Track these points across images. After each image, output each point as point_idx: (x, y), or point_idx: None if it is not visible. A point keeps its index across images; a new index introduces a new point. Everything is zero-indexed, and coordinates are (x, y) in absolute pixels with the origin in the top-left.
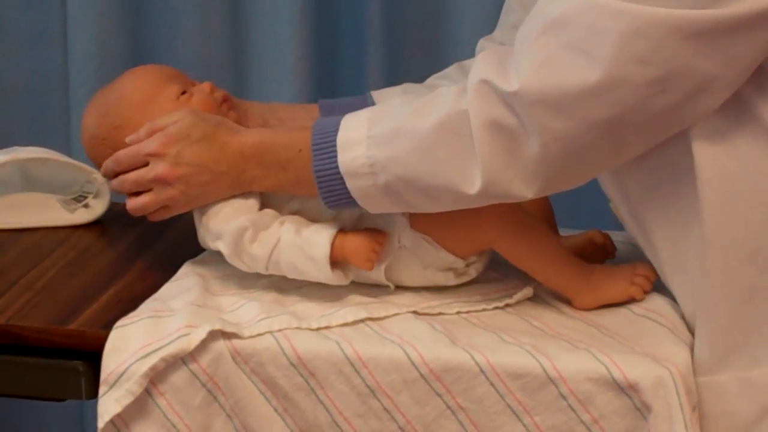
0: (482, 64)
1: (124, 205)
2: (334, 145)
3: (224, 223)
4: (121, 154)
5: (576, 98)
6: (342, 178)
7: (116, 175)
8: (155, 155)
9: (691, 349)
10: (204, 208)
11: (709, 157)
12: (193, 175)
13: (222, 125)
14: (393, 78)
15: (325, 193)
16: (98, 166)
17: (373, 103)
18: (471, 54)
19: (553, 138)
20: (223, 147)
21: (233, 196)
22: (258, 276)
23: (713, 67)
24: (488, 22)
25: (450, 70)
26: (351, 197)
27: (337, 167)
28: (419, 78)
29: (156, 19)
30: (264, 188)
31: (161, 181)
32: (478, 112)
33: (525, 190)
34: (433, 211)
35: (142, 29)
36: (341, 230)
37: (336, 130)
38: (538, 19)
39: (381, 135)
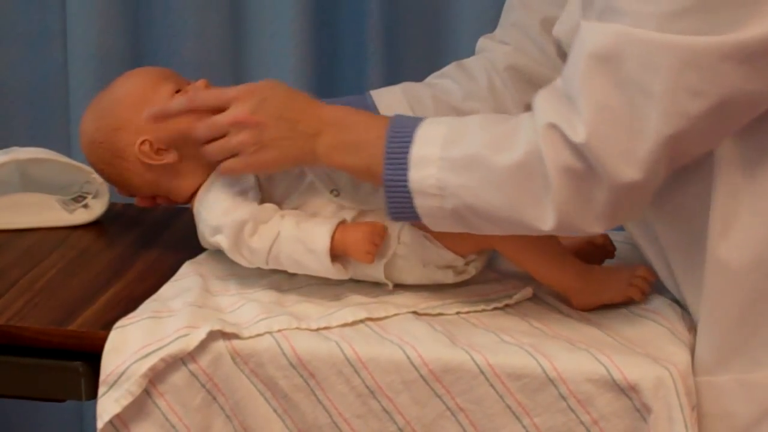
0: (546, 106)
1: (124, 205)
2: (407, 158)
3: (224, 216)
4: (205, 94)
5: (639, 142)
6: (410, 194)
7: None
8: (237, 99)
9: (692, 348)
10: (203, 201)
11: (726, 163)
12: (270, 126)
13: (308, 94)
14: (393, 78)
15: (392, 205)
16: (97, 171)
17: (372, 103)
18: (471, 53)
19: (619, 183)
20: (306, 108)
21: (233, 193)
22: (258, 276)
23: (763, 85)
24: (488, 21)
25: (449, 69)
26: (416, 213)
27: (406, 182)
28: (419, 77)
29: (156, 19)
30: (332, 163)
31: (237, 124)
32: (551, 157)
33: (596, 227)
34: (502, 234)
35: (142, 29)
36: (341, 223)
37: (411, 140)
38: (580, 55)
39: (455, 159)
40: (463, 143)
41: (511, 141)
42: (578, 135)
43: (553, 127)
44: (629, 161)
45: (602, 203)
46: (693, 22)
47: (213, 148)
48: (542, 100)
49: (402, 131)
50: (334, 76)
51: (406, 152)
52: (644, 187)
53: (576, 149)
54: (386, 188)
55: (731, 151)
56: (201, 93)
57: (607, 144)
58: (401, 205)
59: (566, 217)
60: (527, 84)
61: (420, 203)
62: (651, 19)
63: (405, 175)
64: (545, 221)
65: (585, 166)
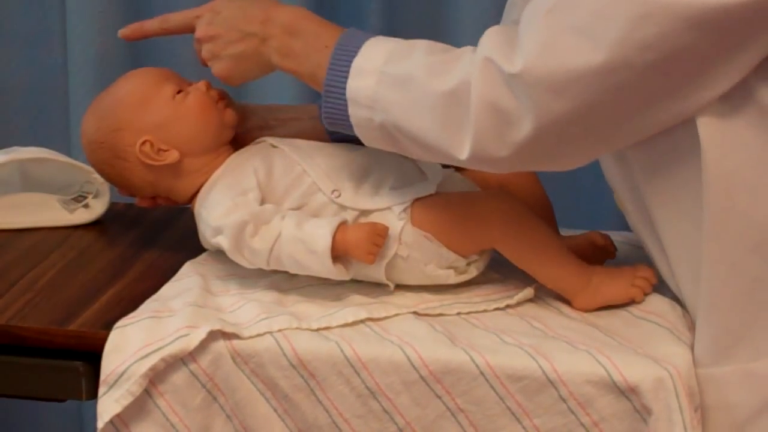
0: (489, 40)
1: (124, 205)
2: (349, 67)
3: (224, 217)
4: (174, 16)
5: (578, 80)
6: (346, 102)
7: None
8: (198, 17)
9: (692, 348)
10: (204, 202)
11: (715, 146)
12: (222, 35)
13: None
14: None
15: (327, 109)
16: (98, 171)
17: None
18: None
19: (549, 120)
20: (258, 13)
21: (234, 193)
22: (258, 276)
23: (717, 54)
24: (488, 21)
25: None
26: (349, 122)
27: (344, 90)
28: None
29: None
30: (283, 68)
31: (197, 42)
32: (479, 90)
33: (507, 163)
34: (424, 159)
35: None
36: (343, 224)
37: (356, 52)
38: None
39: (393, 75)
40: (405, 62)
41: (448, 69)
42: (514, 66)
43: (490, 60)
44: (559, 98)
45: (521, 140)
46: None
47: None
48: (487, 36)
49: (350, 42)
50: None
51: (350, 62)
52: (571, 122)
53: (507, 82)
54: (324, 93)
55: (717, 134)
56: (172, 15)
57: (541, 75)
58: (336, 112)
59: (481, 150)
60: None
61: (353, 112)
62: None
63: (344, 82)
64: (462, 150)
65: (512, 102)
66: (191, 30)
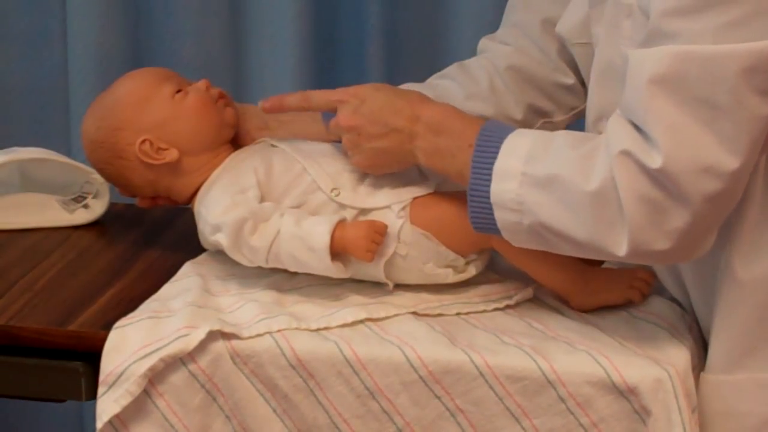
0: (618, 133)
1: (124, 205)
2: (491, 170)
3: (223, 215)
4: (317, 96)
5: (718, 155)
6: (491, 206)
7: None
8: (341, 101)
9: (692, 350)
10: (203, 200)
11: (758, 180)
12: (365, 127)
13: (415, 93)
14: (393, 78)
15: (474, 215)
16: (98, 171)
17: None
18: (471, 54)
19: (702, 200)
20: (403, 109)
21: (233, 191)
22: (258, 276)
23: None
24: (488, 22)
25: (450, 70)
26: (496, 226)
27: (488, 194)
28: (419, 78)
29: (156, 19)
30: (426, 163)
31: (338, 128)
32: (625, 186)
33: (671, 251)
34: (579, 256)
35: (142, 29)
36: (341, 221)
37: (497, 153)
38: (639, 81)
39: (536, 176)
40: (546, 161)
41: (589, 165)
42: (654, 161)
43: (627, 154)
44: (708, 176)
45: (679, 226)
46: (747, 30)
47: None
48: (613, 126)
49: (490, 141)
50: (334, 76)
51: (492, 164)
52: (723, 200)
53: (652, 176)
54: (469, 198)
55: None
56: (314, 94)
57: (685, 165)
58: (483, 216)
59: (640, 245)
60: (528, 84)
61: (499, 216)
62: (705, 34)
63: (488, 187)
64: (620, 247)
65: (662, 193)
66: (333, 111)
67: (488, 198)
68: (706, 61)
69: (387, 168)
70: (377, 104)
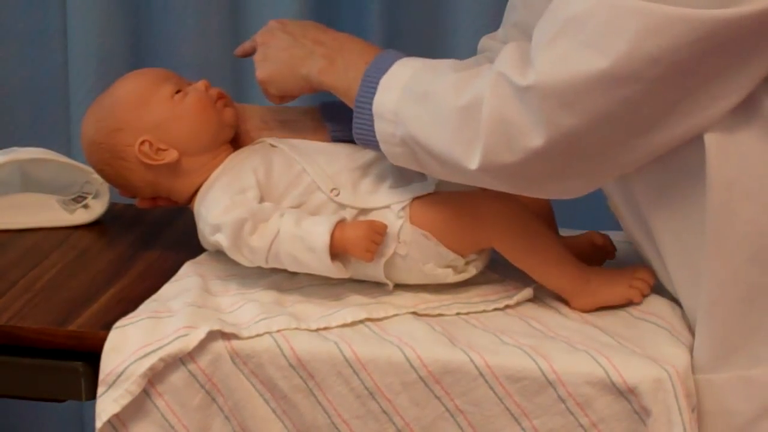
0: (504, 56)
1: (124, 205)
2: (377, 84)
3: (223, 215)
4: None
5: (587, 92)
6: (372, 116)
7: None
8: (265, 25)
9: (691, 348)
10: (203, 200)
11: (718, 155)
12: (277, 38)
13: (330, 29)
14: None
15: (357, 125)
16: (98, 172)
17: None
18: (471, 53)
19: (560, 133)
20: (311, 29)
21: (233, 191)
22: (258, 276)
23: (725, 67)
24: (488, 22)
25: None
26: (376, 139)
27: (372, 104)
28: None
29: (156, 19)
30: (318, 78)
31: (257, 45)
32: (490, 104)
33: (518, 171)
34: (442, 177)
35: (142, 29)
36: (341, 221)
37: (387, 69)
38: (556, 16)
39: (415, 91)
40: (427, 78)
41: (466, 85)
42: (525, 80)
43: (502, 75)
44: (571, 111)
45: (532, 153)
46: None
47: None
48: (503, 51)
49: (383, 61)
50: None
51: (380, 78)
52: (581, 136)
53: (518, 95)
54: (355, 108)
55: (720, 144)
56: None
57: (551, 88)
58: (365, 128)
59: (491, 162)
60: None
61: (378, 127)
62: None
63: (372, 97)
64: (471, 161)
65: (522, 116)
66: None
67: (371, 108)
68: (615, 9)
69: (283, 82)
70: (293, 25)
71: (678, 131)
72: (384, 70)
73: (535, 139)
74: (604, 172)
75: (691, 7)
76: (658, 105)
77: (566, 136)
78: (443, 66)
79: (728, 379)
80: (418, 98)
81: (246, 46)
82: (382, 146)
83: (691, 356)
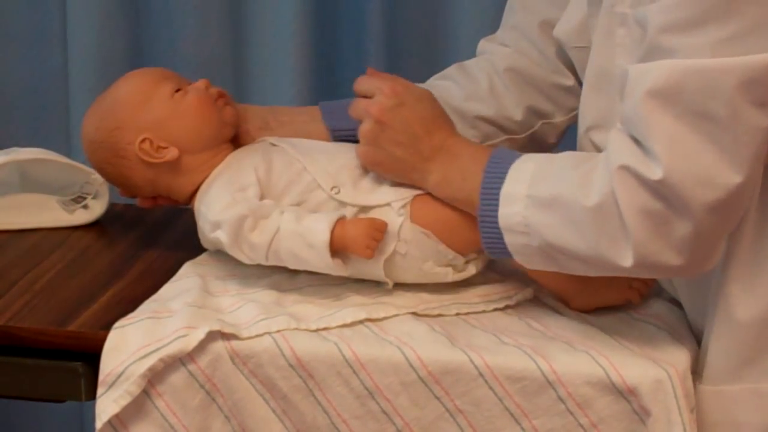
0: (617, 146)
1: (124, 205)
2: (498, 195)
3: (223, 212)
4: (364, 80)
5: (718, 166)
6: (500, 230)
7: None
8: (382, 92)
9: (692, 351)
10: (203, 198)
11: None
12: (394, 129)
13: (444, 115)
14: None
15: (486, 240)
16: (99, 171)
17: None
18: (471, 54)
19: (704, 210)
20: (435, 130)
21: (233, 189)
22: (258, 276)
23: None
24: (488, 23)
25: (450, 71)
26: (508, 250)
27: (497, 218)
28: (419, 78)
29: (156, 19)
30: (433, 189)
31: (368, 114)
32: (625, 199)
33: (678, 262)
34: (590, 275)
35: (142, 29)
36: (341, 218)
37: (504, 177)
38: (637, 93)
39: (540, 198)
40: (549, 181)
41: (589, 182)
42: (654, 173)
43: (626, 168)
44: (709, 188)
45: (683, 237)
46: (745, 45)
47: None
48: (613, 140)
49: (497, 167)
50: (334, 76)
51: (499, 188)
52: (726, 212)
53: (653, 188)
54: (480, 224)
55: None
56: (362, 78)
57: (685, 176)
58: (494, 241)
59: (645, 257)
60: (527, 85)
61: (509, 240)
62: (703, 49)
63: (496, 211)
64: (625, 259)
65: (663, 204)
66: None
67: (497, 223)
68: (704, 74)
69: (387, 173)
70: (415, 114)
71: None
72: (501, 178)
73: (684, 225)
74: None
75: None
76: None
77: (712, 211)
78: (560, 163)
79: (740, 391)
80: (545, 205)
81: (362, 89)
82: (516, 257)
83: (697, 362)
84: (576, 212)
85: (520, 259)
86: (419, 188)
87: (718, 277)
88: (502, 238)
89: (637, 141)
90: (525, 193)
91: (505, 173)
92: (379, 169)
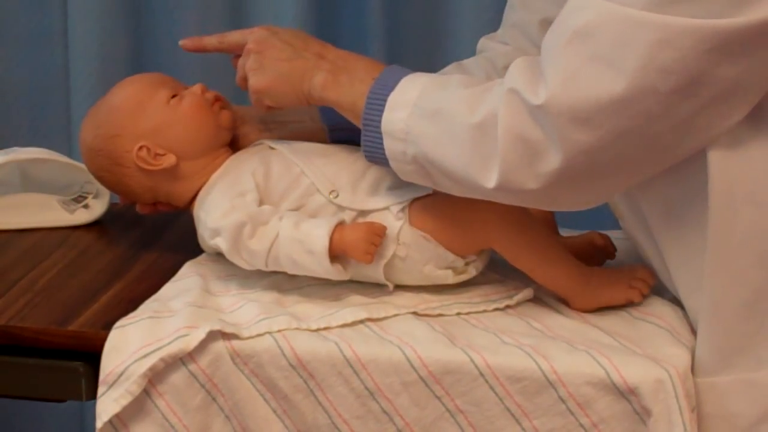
0: (515, 72)
1: (124, 205)
2: (385, 101)
3: (222, 219)
4: (231, 34)
5: (602, 110)
6: (381, 134)
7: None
8: (253, 32)
9: (692, 349)
10: (202, 204)
11: (720, 159)
12: (276, 48)
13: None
14: None
15: (366, 144)
16: (98, 179)
17: None
18: (471, 54)
19: (577, 151)
20: (314, 43)
21: (232, 195)
22: (258, 276)
23: (736, 74)
24: (488, 22)
25: (449, 69)
26: (385, 156)
27: (380, 122)
28: None
29: (156, 19)
30: (321, 95)
31: (247, 51)
32: (505, 121)
33: (538, 195)
34: (456, 194)
35: (142, 29)
36: (340, 223)
37: (394, 87)
38: (562, 29)
39: (425, 108)
40: (437, 95)
41: (477, 101)
42: (538, 98)
43: (515, 91)
44: (585, 127)
45: (550, 172)
46: (677, 8)
47: (237, 77)
48: (514, 67)
49: (389, 78)
50: None
51: (387, 95)
52: (600, 152)
53: (532, 113)
54: (363, 126)
55: (723, 146)
56: (230, 33)
57: (566, 109)
58: (373, 146)
59: (509, 181)
60: None
61: (388, 145)
62: (638, 1)
63: (380, 115)
64: (490, 179)
65: (538, 133)
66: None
67: (379, 126)
68: (623, 23)
69: (281, 98)
70: (289, 36)
71: (693, 144)
72: (391, 87)
73: (553, 160)
74: (618, 187)
75: (700, 18)
76: (673, 119)
77: (583, 153)
78: (453, 82)
79: (731, 381)
80: (429, 116)
81: (230, 40)
82: (392, 164)
83: (693, 357)
84: (457, 127)
85: (395, 167)
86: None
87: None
88: (381, 143)
89: (539, 70)
90: (413, 102)
91: (396, 83)
92: (270, 93)
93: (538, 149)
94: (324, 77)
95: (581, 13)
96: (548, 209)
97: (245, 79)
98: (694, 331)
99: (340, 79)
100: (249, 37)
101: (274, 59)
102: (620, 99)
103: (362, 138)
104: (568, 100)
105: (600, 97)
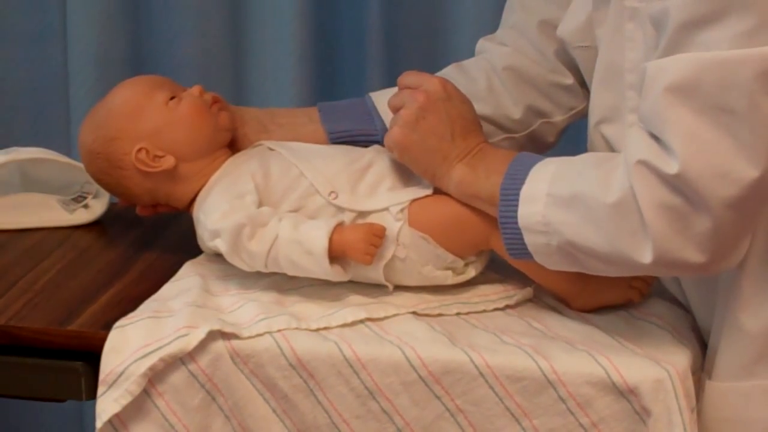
0: (635, 143)
1: (124, 205)
2: (518, 196)
3: (222, 221)
4: (413, 72)
5: (736, 159)
6: (520, 230)
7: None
8: (434, 85)
9: (693, 351)
10: (201, 205)
11: None
12: (435, 117)
13: (480, 123)
14: (393, 79)
15: (507, 241)
16: (97, 181)
17: (372, 105)
18: (470, 54)
19: (722, 205)
20: (469, 135)
21: (231, 197)
22: (258, 276)
23: None
24: (487, 22)
25: (448, 70)
26: (528, 250)
27: (516, 218)
28: None
29: (156, 19)
30: (459, 191)
31: (413, 98)
32: (644, 195)
33: (700, 258)
34: (612, 275)
35: (142, 30)
36: (339, 225)
37: (524, 179)
38: (657, 91)
39: (560, 196)
40: (569, 180)
41: (609, 179)
42: (671, 168)
43: (644, 163)
44: (726, 182)
45: (702, 233)
46: (763, 38)
47: (395, 102)
48: (632, 137)
49: (519, 169)
50: (334, 77)
51: (519, 189)
52: (745, 207)
53: (670, 183)
54: (500, 224)
55: None
56: (409, 73)
57: (702, 170)
58: (515, 242)
59: (665, 252)
60: (526, 84)
61: (529, 240)
62: (722, 42)
63: (515, 211)
64: (644, 256)
65: (681, 199)
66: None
67: (517, 223)
68: (721, 67)
69: (412, 160)
70: (459, 112)
71: None
72: (522, 180)
73: (703, 220)
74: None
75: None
76: None
77: (730, 208)
78: (580, 164)
79: (750, 387)
80: (565, 204)
81: (407, 81)
82: (536, 258)
83: (693, 360)
84: (596, 209)
85: (541, 259)
86: (435, 186)
87: (726, 280)
88: (522, 239)
89: (655, 137)
90: (545, 192)
91: (526, 174)
92: (406, 153)
93: (684, 213)
94: (463, 172)
95: (671, 71)
96: (708, 274)
97: (398, 109)
98: (699, 330)
99: (478, 172)
100: (426, 84)
101: (429, 129)
102: (749, 144)
103: (503, 236)
104: (699, 164)
105: (729, 147)
